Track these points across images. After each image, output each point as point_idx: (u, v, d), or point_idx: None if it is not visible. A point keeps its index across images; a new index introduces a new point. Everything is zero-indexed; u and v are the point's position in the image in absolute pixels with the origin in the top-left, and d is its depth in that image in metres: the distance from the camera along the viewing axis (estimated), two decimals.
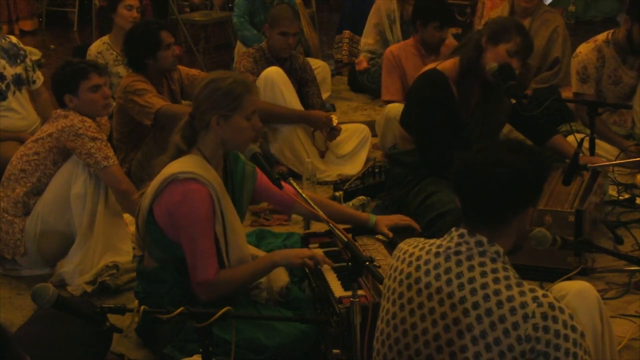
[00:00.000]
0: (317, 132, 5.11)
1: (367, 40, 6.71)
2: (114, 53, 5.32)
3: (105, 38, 5.39)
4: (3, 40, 4.87)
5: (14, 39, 4.96)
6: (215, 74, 3.14)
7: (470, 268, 2.16)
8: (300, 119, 5.02)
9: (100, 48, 5.34)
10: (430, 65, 4.15)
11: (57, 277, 3.81)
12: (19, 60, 4.90)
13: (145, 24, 4.67)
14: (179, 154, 3.09)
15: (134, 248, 3.87)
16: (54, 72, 3.99)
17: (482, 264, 2.15)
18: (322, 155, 5.14)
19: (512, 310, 2.07)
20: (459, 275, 2.16)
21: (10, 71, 4.83)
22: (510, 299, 2.09)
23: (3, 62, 4.80)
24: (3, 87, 4.80)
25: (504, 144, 2.26)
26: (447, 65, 4.04)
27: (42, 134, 3.86)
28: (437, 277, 2.19)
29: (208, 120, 3.03)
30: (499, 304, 2.09)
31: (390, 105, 5.07)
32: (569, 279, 3.38)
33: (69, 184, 3.77)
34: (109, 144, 3.88)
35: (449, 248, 2.21)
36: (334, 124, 4.98)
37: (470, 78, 3.99)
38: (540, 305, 2.07)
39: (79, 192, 3.75)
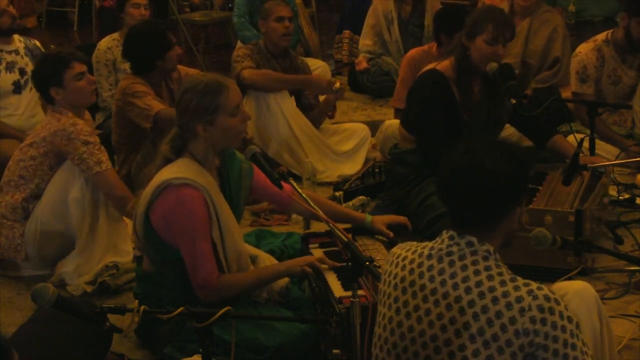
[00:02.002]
0: (324, 98, 5.20)
1: (365, 41, 6.71)
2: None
3: (116, 35, 5.42)
4: (29, 42, 5.08)
5: (38, 43, 5.15)
6: (188, 81, 3.11)
7: (463, 267, 2.16)
8: (301, 83, 5.09)
9: (110, 44, 5.37)
10: (430, 66, 4.15)
11: (57, 278, 3.81)
12: None
13: (150, 25, 4.65)
14: (166, 164, 3.07)
15: (134, 248, 3.87)
16: (33, 69, 3.97)
17: (474, 263, 2.16)
18: (331, 116, 5.23)
19: (508, 306, 2.08)
20: (453, 276, 2.17)
21: (31, 68, 4.89)
22: (505, 294, 2.09)
23: (27, 59, 4.97)
24: (22, 81, 4.92)
25: (487, 146, 2.25)
26: (446, 65, 4.05)
27: (36, 138, 3.84)
28: (431, 279, 2.20)
29: (194, 129, 3.02)
30: (495, 300, 2.09)
31: (387, 122, 5.10)
32: (569, 279, 3.38)
33: (66, 188, 3.75)
34: (102, 148, 3.83)
35: (440, 250, 2.22)
36: (337, 87, 5.06)
37: (467, 77, 4.00)
38: (535, 298, 2.08)
39: (76, 196, 3.73)
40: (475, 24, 3.92)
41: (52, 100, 3.85)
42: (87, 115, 4.14)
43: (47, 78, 3.82)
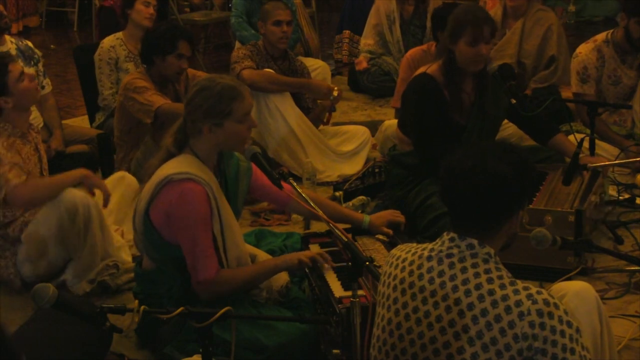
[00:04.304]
0: (319, 102, 5.20)
1: (367, 41, 6.72)
2: (127, 49, 5.30)
3: (120, 34, 5.40)
4: (20, 42, 5.01)
5: (30, 43, 5.08)
6: (205, 80, 3.10)
7: (463, 270, 2.16)
8: (302, 87, 5.10)
9: (113, 43, 5.33)
10: (421, 70, 4.15)
11: (57, 282, 3.78)
12: (32, 62, 4.98)
13: (173, 26, 4.66)
14: (169, 157, 3.08)
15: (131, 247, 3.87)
16: None
17: (474, 265, 2.16)
18: (325, 122, 5.23)
19: (507, 309, 2.08)
20: (453, 278, 2.16)
21: (24, 69, 4.87)
22: (504, 298, 2.09)
23: (18, 60, 4.86)
24: None
25: (488, 148, 2.25)
26: (435, 68, 4.04)
27: None
28: (431, 281, 2.19)
29: (200, 128, 3.03)
30: (494, 304, 2.09)
31: (387, 123, 5.11)
32: (569, 279, 3.38)
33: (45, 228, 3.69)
34: (6, 169, 3.64)
35: (440, 251, 2.21)
36: (335, 95, 5.08)
37: (456, 79, 3.98)
38: (535, 302, 2.07)
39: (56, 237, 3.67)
40: (455, 27, 3.90)
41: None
42: (33, 113, 4.08)
43: None
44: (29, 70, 4.93)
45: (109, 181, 4.17)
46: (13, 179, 3.61)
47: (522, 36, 5.60)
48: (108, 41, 5.35)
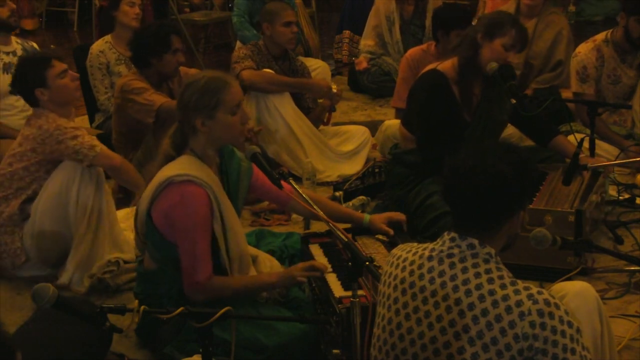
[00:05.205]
0: (319, 102, 5.21)
1: (367, 42, 6.73)
2: (117, 52, 5.30)
3: (108, 37, 5.38)
4: (26, 44, 5.05)
5: (35, 45, 5.12)
6: (191, 77, 3.13)
7: (464, 270, 2.16)
8: (302, 87, 5.11)
9: (102, 47, 5.33)
10: (431, 66, 4.14)
11: (62, 281, 3.78)
12: None
13: (159, 24, 4.65)
14: (168, 161, 3.08)
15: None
16: (14, 73, 3.90)
17: (475, 265, 2.16)
18: (325, 123, 5.25)
19: (508, 309, 2.08)
20: (453, 278, 2.16)
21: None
22: (505, 298, 2.09)
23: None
24: None
25: (491, 148, 2.24)
26: (447, 65, 4.04)
27: (22, 149, 3.79)
28: (432, 281, 2.19)
29: (193, 124, 3.03)
30: (495, 304, 2.09)
31: (387, 123, 5.11)
32: (569, 279, 3.38)
33: (66, 187, 3.71)
34: (85, 132, 3.81)
35: (441, 251, 2.21)
36: (334, 91, 5.11)
37: (470, 77, 3.98)
38: (535, 302, 2.07)
39: (80, 196, 3.70)
40: (496, 25, 3.88)
41: (37, 103, 3.80)
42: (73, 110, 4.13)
43: (30, 80, 3.76)
44: None
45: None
46: (98, 144, 3.76)
47: (533, 37, 5.60)
48: (97, 46, 5.34)
